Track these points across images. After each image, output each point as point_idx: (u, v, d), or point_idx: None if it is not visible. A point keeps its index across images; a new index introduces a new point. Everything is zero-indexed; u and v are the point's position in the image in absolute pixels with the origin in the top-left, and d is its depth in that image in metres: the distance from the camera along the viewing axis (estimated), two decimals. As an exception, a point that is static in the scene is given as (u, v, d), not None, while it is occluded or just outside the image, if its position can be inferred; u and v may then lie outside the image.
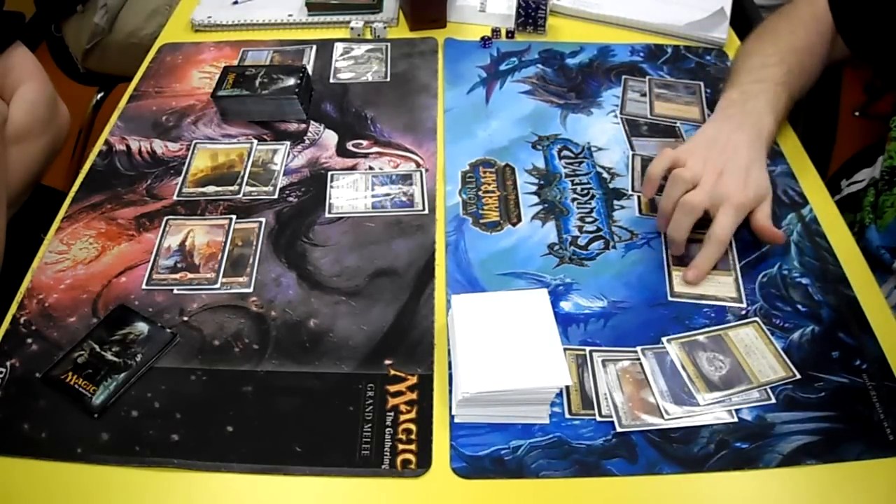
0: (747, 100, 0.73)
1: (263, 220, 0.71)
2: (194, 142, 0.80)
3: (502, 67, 0.91)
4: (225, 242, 0.68)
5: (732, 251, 0.68)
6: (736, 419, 0.55)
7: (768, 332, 0.61)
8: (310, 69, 0.90)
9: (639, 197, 0.74)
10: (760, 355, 0.59)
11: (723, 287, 0.65)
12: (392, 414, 0.55)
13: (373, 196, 0.74)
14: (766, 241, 0.67)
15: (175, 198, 0.73)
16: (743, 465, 0.53)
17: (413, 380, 0.58)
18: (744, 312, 0.63)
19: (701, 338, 0.61)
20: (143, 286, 0.64)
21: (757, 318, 0.62)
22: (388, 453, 0.53)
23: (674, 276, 0.66)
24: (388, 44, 0.95)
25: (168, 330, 0.60)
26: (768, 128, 0.71)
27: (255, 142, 0.80)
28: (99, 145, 0.80)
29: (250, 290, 0.64)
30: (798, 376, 0.58)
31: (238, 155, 0.78)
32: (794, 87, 0.76)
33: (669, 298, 0.64)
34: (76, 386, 0.56)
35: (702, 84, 0.89)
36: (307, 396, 0.57)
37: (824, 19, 0.80)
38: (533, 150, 0.79)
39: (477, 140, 0.80)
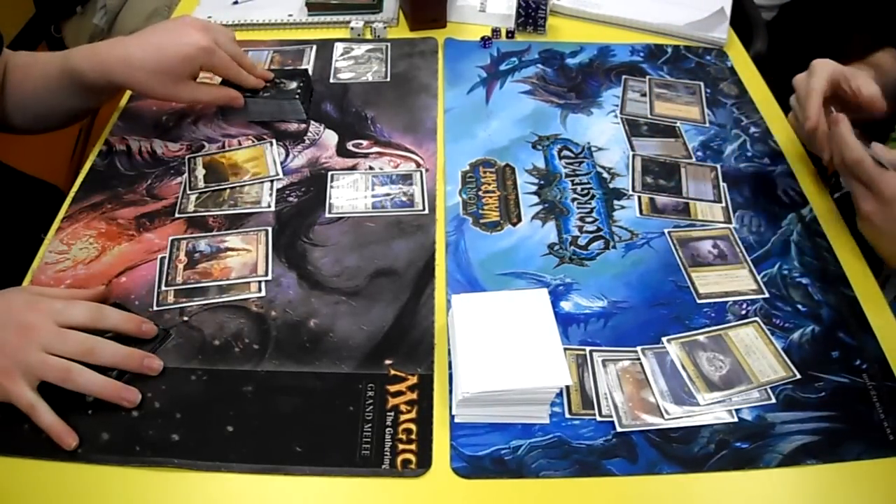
0: None
1: (269, 229, 0.69)
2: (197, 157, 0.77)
3: (502, 67, 0.91)
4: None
5: (739, 245, 0.68)
6: (736, 419, 0.55)
7: (768, 332, 0.61)
8: (310, 69, 0.90)
9: (639, 197, 0.74)
10: (760, 355, 0.59)
11: (742, 281, 0.65)
12: (392, 414, 0.55)
13: (373, 196, 0.73)
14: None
15: (178, 215, 0.71)
16: (743, 465, 0.53)
17: (413, 380, 0.58)
18: (745, 312, 0.63)
19: (701, 338, 0.61)
20: (154, 308, 0.62)
21: (757, 318, 0.62)
22: (388, 453, 0.53)
23: (695, 278, 0.65)
24: (388, 44, 0.95)
25: (162, 327, 0.60)
26: None
27: (269, 145, 0.79)
28: (99, 145, 0.80)
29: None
30: (798, 376, 0.58)
31: (250, 156, 0.78)
32: None
33: (698, 301, 0.63)
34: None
35: (702, 84, 0.89)
36: (307, 396, 0.57)
37: None
38: (533, 150, 0.79)
39: (477, 140, 0.80)
